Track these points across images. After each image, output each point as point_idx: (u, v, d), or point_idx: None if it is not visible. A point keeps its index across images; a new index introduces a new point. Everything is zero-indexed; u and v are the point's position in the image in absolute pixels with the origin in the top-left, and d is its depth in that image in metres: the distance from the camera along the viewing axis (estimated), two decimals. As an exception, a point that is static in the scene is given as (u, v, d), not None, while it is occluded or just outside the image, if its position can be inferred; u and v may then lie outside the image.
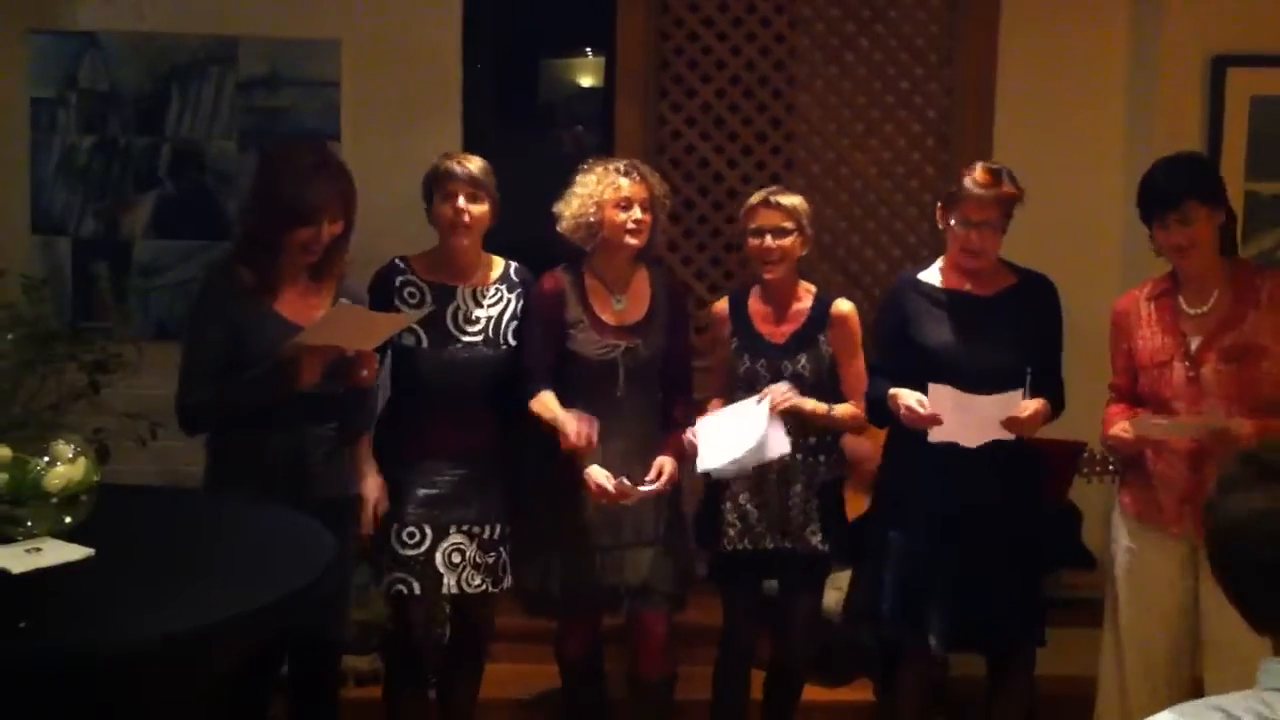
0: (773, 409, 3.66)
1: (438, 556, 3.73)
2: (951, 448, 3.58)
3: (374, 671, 4.41)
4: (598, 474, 3.68)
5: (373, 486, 3.70)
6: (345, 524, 3.52)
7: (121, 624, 2.50)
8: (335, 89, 4.82)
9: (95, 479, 2.86)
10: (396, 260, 3.80)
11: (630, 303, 3.86)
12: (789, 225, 3.80)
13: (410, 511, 3.74)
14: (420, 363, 3.74)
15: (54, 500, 2.79)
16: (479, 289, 3.80)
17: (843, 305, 3.89)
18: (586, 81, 8.78)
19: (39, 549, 2.74)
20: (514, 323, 3.80)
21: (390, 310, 3.70)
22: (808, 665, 4.04)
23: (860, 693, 4.51)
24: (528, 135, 7.45)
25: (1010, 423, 3.55)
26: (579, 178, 3.80)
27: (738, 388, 3.84)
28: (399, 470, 3.76)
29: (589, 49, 8.58)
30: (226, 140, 4.82)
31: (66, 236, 4.83)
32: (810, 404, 3.77)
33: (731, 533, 3.85)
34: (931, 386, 3.56)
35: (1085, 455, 3.79)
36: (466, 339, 3.75)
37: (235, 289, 3.45)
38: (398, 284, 3.75)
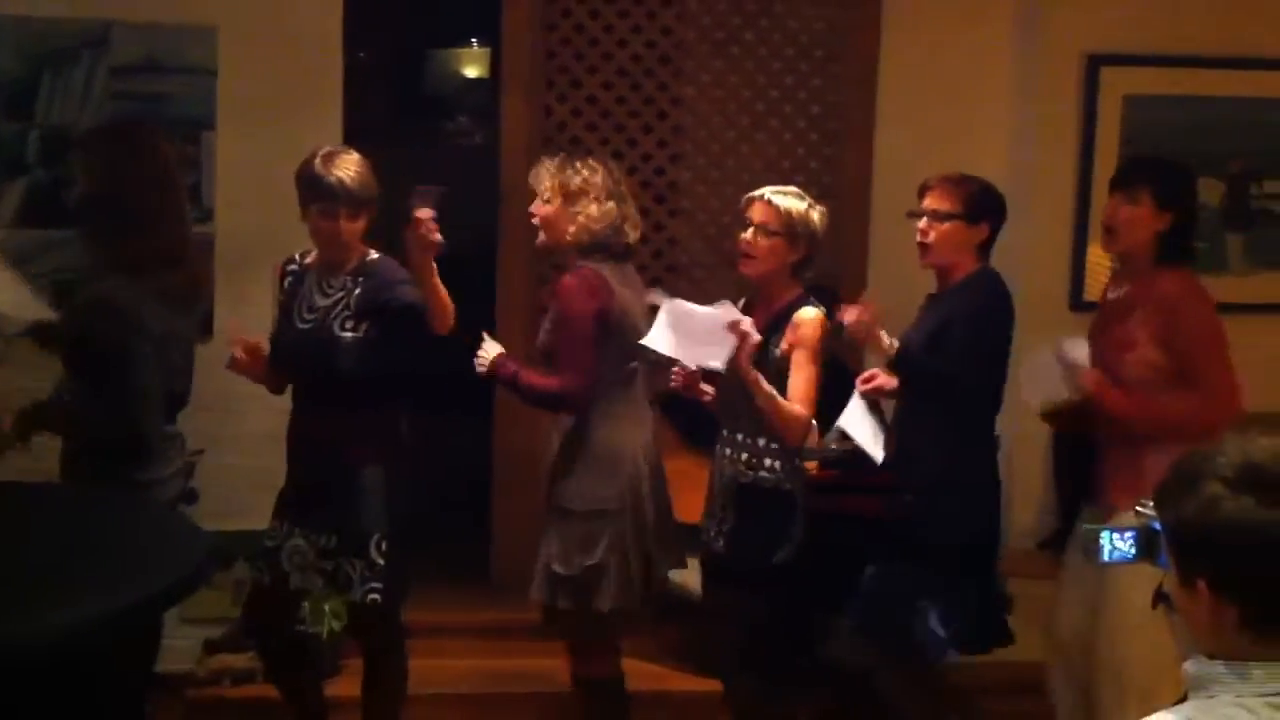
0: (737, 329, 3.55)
1: (283, 554, 3.70)
2: None
3: (249, 670, 4.31)
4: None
5: None
6: None
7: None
8: (213, 77, 4.71)
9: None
10: (296, 255, 3.85)
11: None
12: (775, 227, 3.68)
13: (277, 504, 3.77)
14: (272, 348, 3.77)
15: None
16: (327, 278, 3.72)
17: (801, 313, 3.71)
18: (472, 72, 8.73)
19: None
20: (344, 314, 3.65)
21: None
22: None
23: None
24: (412, 126, 7.39)
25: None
26: (591, 179, 3.77)
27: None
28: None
29: (474, 40, 8.51)
30: (99, 127, 4.69)
31: (-69, 225, 4.67)
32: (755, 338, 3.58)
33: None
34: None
35: None
36: (301, 326, 3.71)
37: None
38: (286, 271, 3.83)
